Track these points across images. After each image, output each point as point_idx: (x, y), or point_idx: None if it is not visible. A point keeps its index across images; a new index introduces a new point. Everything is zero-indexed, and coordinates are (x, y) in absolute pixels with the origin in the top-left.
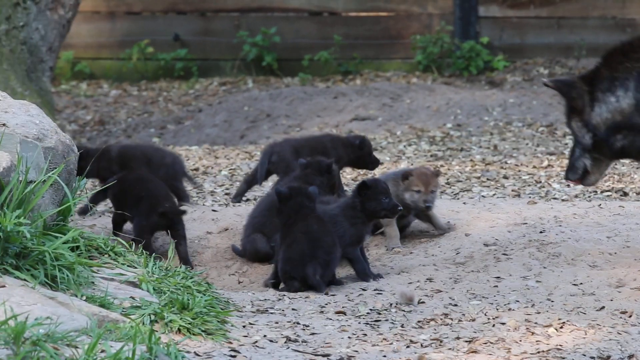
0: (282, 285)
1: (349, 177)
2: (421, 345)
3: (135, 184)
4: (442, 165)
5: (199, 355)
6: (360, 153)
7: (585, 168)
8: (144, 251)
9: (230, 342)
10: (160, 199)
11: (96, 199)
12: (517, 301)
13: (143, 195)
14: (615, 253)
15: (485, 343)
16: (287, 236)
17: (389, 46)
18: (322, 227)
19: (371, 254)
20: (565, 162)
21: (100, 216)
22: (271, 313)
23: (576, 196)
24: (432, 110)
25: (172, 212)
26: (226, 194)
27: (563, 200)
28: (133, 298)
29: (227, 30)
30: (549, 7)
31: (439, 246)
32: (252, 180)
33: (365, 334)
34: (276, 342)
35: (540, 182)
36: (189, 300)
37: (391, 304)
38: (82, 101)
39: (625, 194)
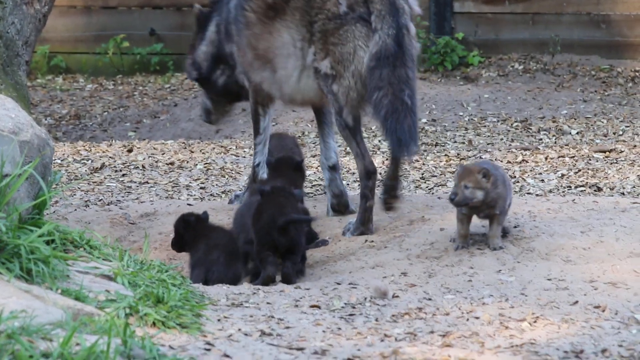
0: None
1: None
2: (395, 339)
3: None
4: (416, 160)
5: (173, 349)
6: None
7: (208, 108)
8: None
9: (205, 336)
10: None
11: None
12: (491, 295)
13: None
14: (589, 248)
15: (459, 337)
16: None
17: None
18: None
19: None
20: (540, 157)
21: (75, 210)
22: (246, 307)
23: (550, 191)
24: None
25: None
26: (201, 187)
27: (537, 195)
28: (108, 291)
29: None
30: (523, 3)
31: (414, 240)
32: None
33: (340, 328)
34: (251, 335)
35: (515, 177)
36: (163, 293)
37: (365, 298)
38: (58, 95)
39: (599, 189)
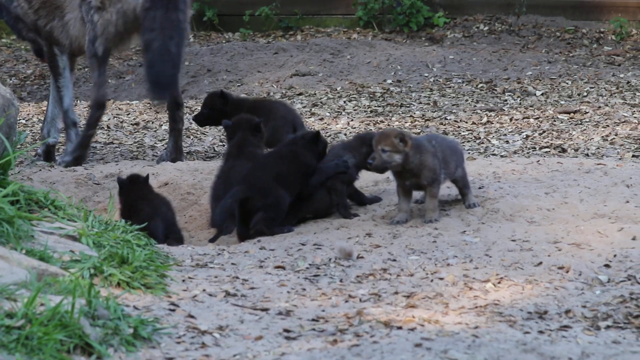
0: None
1: None
2: (360, 300)
3: None
4: (381, 121)
5: (138, 309)
6: None
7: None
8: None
9: (170, 296)
10: None
11: None
12: (456, 256)
13: None
14: (553, 209)
15: (424, 298)
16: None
17: (329, 2)
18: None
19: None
20: (505, 118)
21: (40, 170)
22: (210, 267)
23: (515, 152)
24: (373, 66)
25: None
26: (166, 148)
27: (502, 156)
28: (73, 252)
29: None
30: None
31: (378, 202)
32: None
33: (304, 289)
34: (215, 296)
35: (480, 138)
36: (128, 254)
37: (330, 259)
38: (23, 55)
39: (564, 151)
